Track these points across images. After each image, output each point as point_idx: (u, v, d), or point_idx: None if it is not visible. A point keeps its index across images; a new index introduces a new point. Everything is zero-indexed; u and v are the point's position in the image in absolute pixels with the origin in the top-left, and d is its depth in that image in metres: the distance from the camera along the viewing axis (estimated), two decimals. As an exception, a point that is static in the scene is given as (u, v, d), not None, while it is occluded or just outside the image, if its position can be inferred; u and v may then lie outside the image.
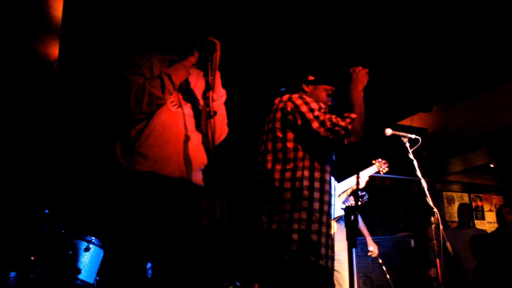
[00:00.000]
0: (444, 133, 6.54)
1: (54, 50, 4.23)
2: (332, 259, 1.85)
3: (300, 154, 1.92)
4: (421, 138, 2.92)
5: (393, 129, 2.97)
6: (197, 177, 1.84)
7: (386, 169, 3.71)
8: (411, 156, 2.86)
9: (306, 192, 1.85)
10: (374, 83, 2.11)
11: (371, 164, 3.72)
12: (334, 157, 2.10)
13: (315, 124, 1.87)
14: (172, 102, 1.84)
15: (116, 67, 1.83)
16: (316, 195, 1.87)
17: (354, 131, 1.83)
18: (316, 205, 1.85)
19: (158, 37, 2.01)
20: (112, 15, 3.74)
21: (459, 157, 6.55)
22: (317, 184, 1.89)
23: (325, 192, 1.91)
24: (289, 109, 1.95)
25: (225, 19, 3.58)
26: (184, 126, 1.83)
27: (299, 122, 1.91)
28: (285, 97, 2.03)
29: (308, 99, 1.96)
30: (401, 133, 2.96)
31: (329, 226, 1.88)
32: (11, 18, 3.79)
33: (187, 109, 1.88)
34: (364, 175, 3.62)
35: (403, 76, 4.83)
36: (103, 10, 3.69)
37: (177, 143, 1.78)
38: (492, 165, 7.03)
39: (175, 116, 1.82)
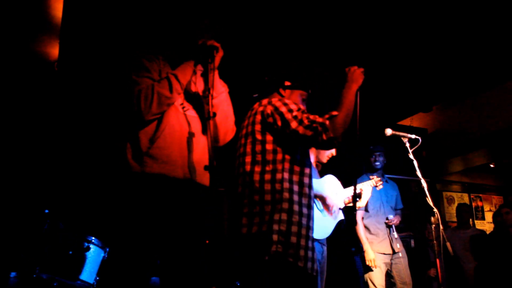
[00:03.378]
0: (444, 133, 6.54)
1: (54, 50, 4.23)
2: (313, 260, 1.85)
3: (279, 156, 1.92)
4: (421, 138, 2.91)
5: (393, 129, 2.97)
6: (205, 179, 1.85)
7: (381, 186, 3.75)
8: (411, 156, 2.86)
9: (286, 194, 1.85)
10: (374, 83, 2.11)
11: (369, 179, 3.78)
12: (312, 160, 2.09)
13: (294, 124, 1.88)
14: (182, 104, 1.88)
15: (123, 69, 1.85)
16: (296, 197, 1.88)
17: (333, 127, 1.81)
18: (296, 207, 1.86)
19: (159, 38, 2.02)
20: (112, 15, 3.74)
21: (459, 157, 6.55)
22: (296, 187, 1.90)
23: (304, 195, 1.91)
24: (269, 111, 1.96)
25: (226, 20, 3.58)
26: (193, 128, 1.86)
27: (279, 123, 1.92)
28: (265, 101, 2.05)
29: (287, 101, 1.98)
30: (401, 133, 2.96)
31: (309, 228, 1.89)
32: (11, 18, 3.79)
33: (195, 111, 1.91)
34: (364, 188, 3.65)
35: (403, 76, 4.83)
36: (103, 10, 3.69)
37: (186, 145, 1.81)
38: (492, 165, 7.03)
39: (184, 119, 1.86)
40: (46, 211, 3.37)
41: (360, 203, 3.61)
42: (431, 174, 6.33)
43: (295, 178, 1.91)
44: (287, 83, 2.16)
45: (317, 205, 3.21)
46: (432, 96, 5.56)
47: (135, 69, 1.82)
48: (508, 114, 5.53)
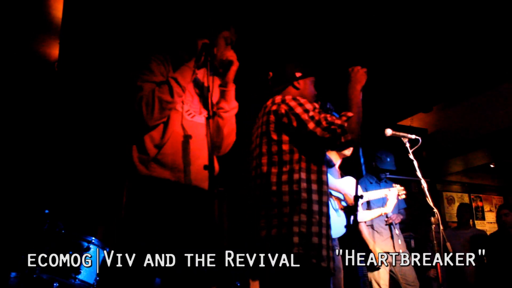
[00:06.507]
0: (444, 133, 6.54)
1: (54, 50, 4.23)
2: (334, 260, 1.84)
3: (296, 156, 1.89)
4: (421, 138, 2.91)
5: (393, 129, 2.97)
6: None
7: (403, 196, 3.68)
8: (411, 156, 2.85)
9: (304, 195, 1.83)
10: (375, 83, 2.10)
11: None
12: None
13: (311, 125, 1.85)
14: (188, 111, 1.88)
15: (128, 70, 1.85)
16: (315, 197, 1.85)
17: (351, 129, 1.80)
18: (315, 207, 1.83)
19: (160, 38, 2.03)
20: (112, 15, 3.74)
21: (459, 157, 6.56)
22: (314, 186, 1.87)
23: (323, 194, 1.89)
24: (283, 111, 1.92)
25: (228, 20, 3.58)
26: (199, 134, 1.86)
27: (295, 123, 1.89)
28: (278, 98, 1.99)
29: (302, 100, 1.94)
30: (401, 134, 2.95)
31: (329, 227, 1.87)
32: (11, 18, 3.79)
33: (201, 118, 1.91)
34: (389, 194, 3.60)
35: (403, 76, 4.83)
36: (103, 10, 3.69)
37: (192, 151, 1.82)
38: (492, 165, 7.03)
39: (191, 125, 1.86)
40: (46, 211, 3.37)
41: (387, 209, 3.57)
42: (431, 174, 6.32)
43: (313, 177, 1.88)
44: (298, 74, 2.11)
45: (333, 205, 3.19)
46: (432, 96, 5.56)
47: (140, 72, 1.81)
48: (508, 114, 5.53)
